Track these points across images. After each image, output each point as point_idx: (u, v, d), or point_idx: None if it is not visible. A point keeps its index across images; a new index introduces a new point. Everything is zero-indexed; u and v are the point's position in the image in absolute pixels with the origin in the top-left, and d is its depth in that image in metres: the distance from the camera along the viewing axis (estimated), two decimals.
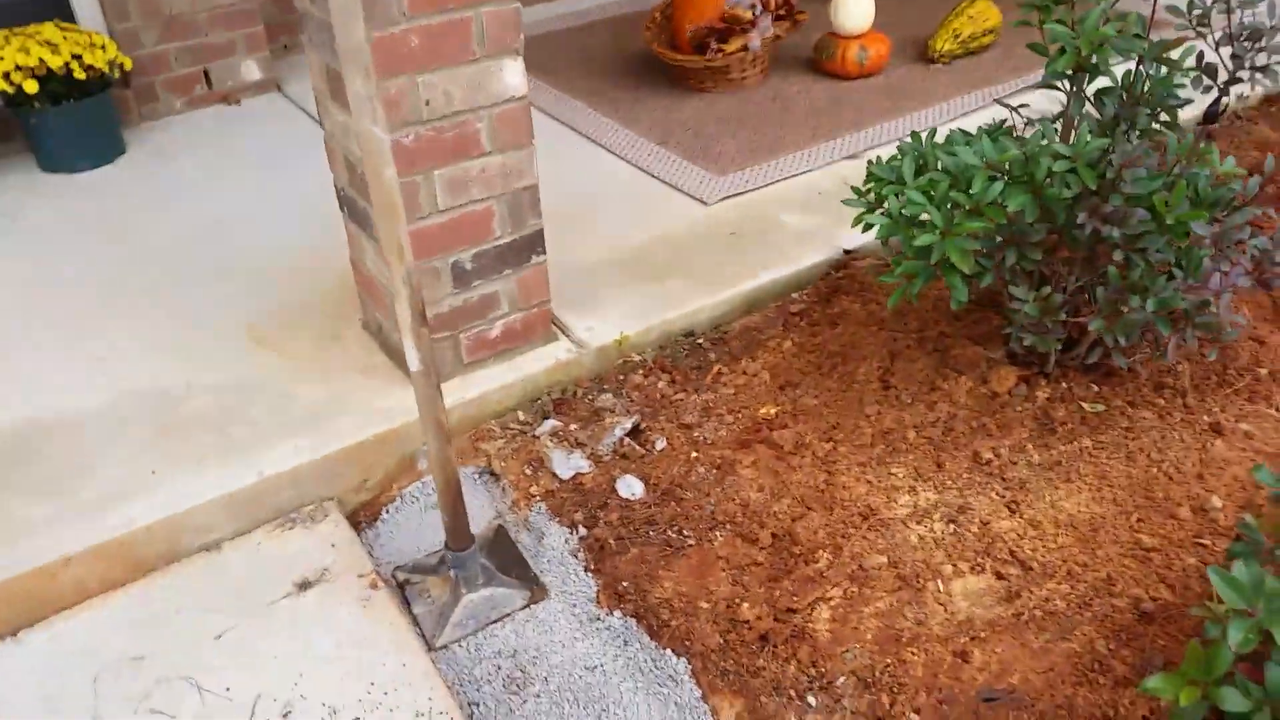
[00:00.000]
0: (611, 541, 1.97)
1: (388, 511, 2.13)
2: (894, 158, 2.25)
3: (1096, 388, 2.23)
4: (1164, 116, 2.15)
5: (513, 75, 2.02)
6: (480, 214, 2.12)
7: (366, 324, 2.41)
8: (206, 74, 3.68)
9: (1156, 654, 1.70)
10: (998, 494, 2.02)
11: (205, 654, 1.70)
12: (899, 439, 2.15)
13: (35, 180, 3.21)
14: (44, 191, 3.15)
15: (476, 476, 2.19)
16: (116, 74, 3.28)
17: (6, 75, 3.02)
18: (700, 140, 3.33)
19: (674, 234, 2.82)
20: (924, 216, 2.00)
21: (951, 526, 1.96)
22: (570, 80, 3.84)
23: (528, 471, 2.13)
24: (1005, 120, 2.29)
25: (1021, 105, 2.41)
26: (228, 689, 1.64)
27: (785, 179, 3.10)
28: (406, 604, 1.91)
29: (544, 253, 2.27)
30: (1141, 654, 1.71)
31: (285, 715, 1.60)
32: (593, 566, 1.94)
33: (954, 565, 1.88)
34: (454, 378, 2.24)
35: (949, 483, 2.05)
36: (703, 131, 3.39)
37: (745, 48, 3.61)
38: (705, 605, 1.82)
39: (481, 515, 2.12)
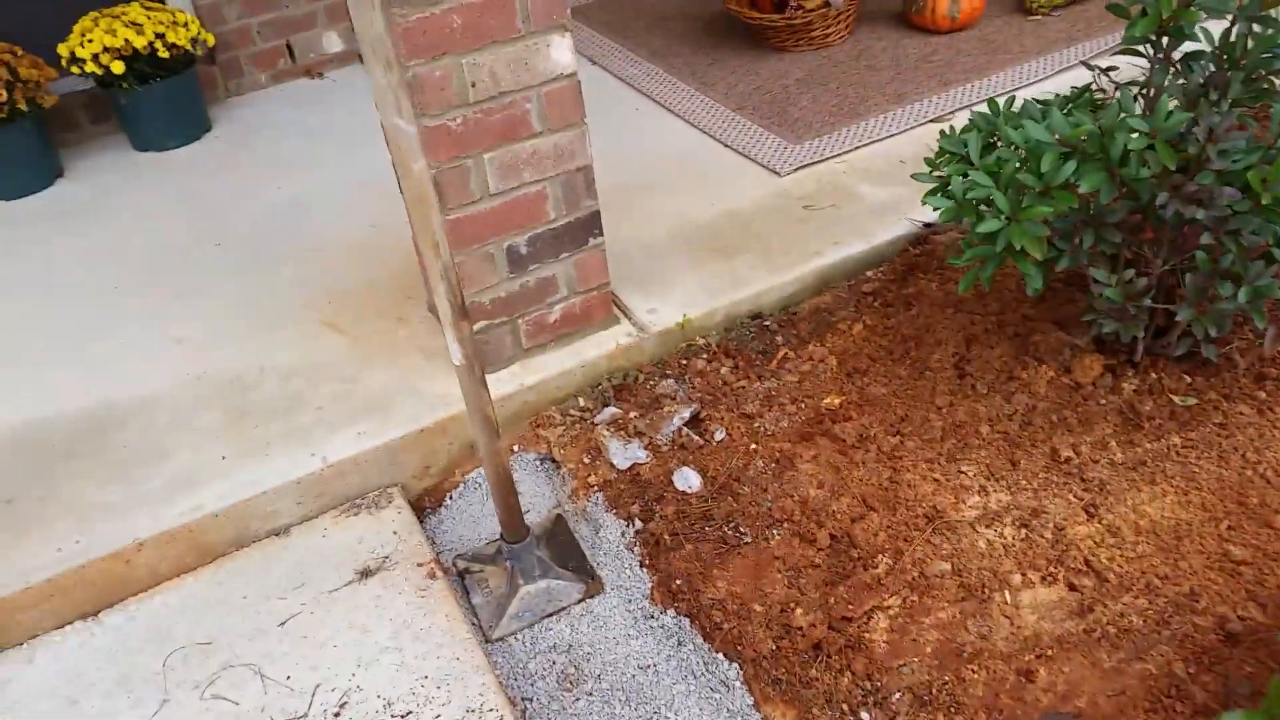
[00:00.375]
0: (667, 537, 1.94)
1: (451, 497, 2.15)
2: (966, 128, 2.11)
3: (1189, 379, 2.07)
4: (1265, 84, 1.95)
5: (560, 52, 1.97)
6: (533, 197, 2.09)
7: (431, 306, 2.42)
8: (289, 47, 3.72)
9: (1241, 681, 1.59)
10: (1075, 496, 1.91)
11: (269, 641, 1.76)
12: (971, 433, 2.06)
13: (127, 159, 3.33)
14: (135, 171, 3.26)
15: (538, 463, 2.20)
16: (200, 51, 3.34)
17: (95, 57, 3.11)
18: (777, 105, 3.21)
19: (744, 208, 2.73)
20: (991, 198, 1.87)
21: (1023, 531, 1.86)
22: (643, 40, 3.74)
23: (586, 460, 2.12)
24: (1091, 84, 2.11)
25: (1111, 67, 2.21)
26: (288, 677, 1.70)
27: (865, 145, 2.96)
28: (465, 593, 1.94)
29: (601, 234, 2.23)
30: (1224, 680, 1.60)
31: (342, 706, 1.65)
32: (648, 562, 1.93)
33: (1023, 574, 1.79)
34: (514, 363, 2.23)
35: (1023, 483, 1.95)
36: (780, 95, 3.27)
37: (828, 3, 3.45)
38: (759, 609, 1.79)
39: (542, 503, 2.12)
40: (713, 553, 1.90)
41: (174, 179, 3.18)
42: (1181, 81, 1.94)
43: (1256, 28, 1.87)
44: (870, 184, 2.79)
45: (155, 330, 2.46)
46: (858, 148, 2.95)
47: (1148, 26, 1.86)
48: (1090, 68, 2.15)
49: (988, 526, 1.88)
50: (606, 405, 2.22)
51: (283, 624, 1.79)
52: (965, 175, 1.92)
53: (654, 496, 2.02)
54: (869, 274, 2.56)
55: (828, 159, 2.91)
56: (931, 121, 3.04)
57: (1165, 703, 1.57)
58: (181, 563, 1.90)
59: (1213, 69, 1.91)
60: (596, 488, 2.07)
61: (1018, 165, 1.83)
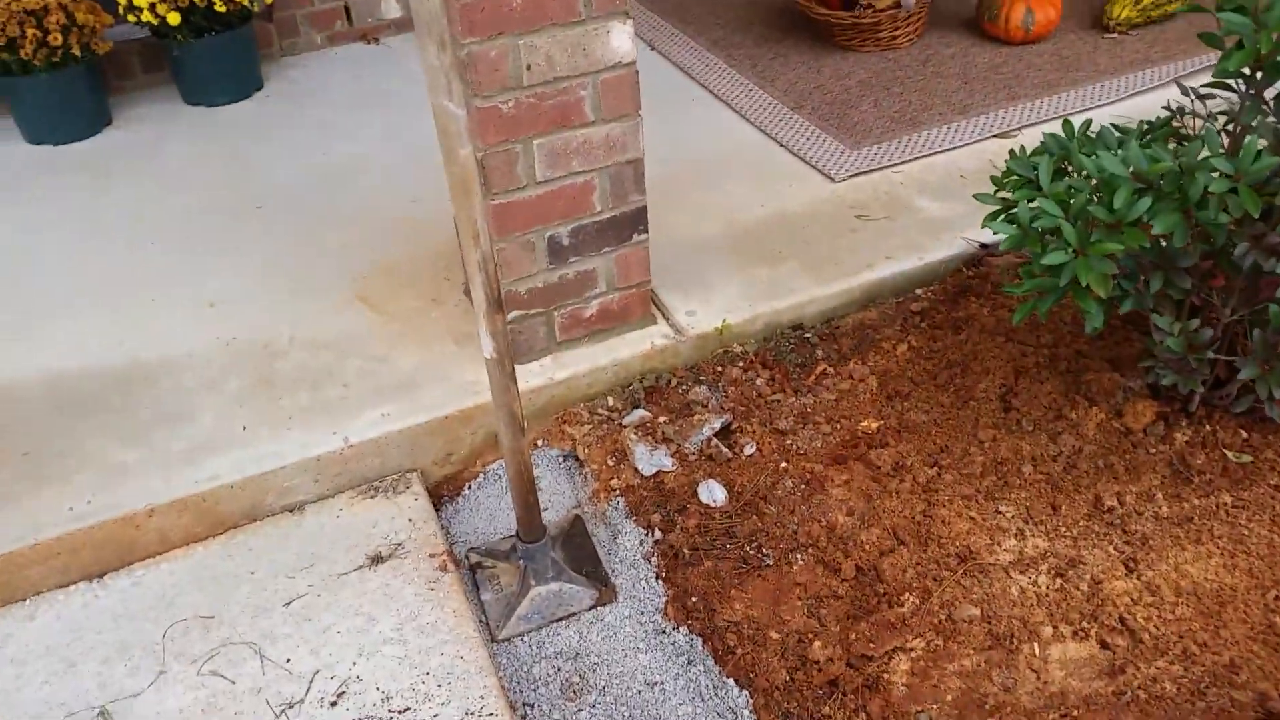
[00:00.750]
0: (686, 550, 1.89)
1: (470, 488, 2.11)
2: (1037, 150, 2.02)
3: (1246, 434, 1.97)
4: None
5: (620, 39, 1.90)
6: (580, 187, 2.03)
7: (466, 290, 2.37)
8: (347, 9, 3.68)
9: None
10: (1116, 548, 1.83)
11: (273, 620, 1.73)
12: (1013, 472, 1.97)
13: (177, 112, 3.31)
14: (182, 124, 3.24)
15: (561, 460, 2.15)
16: (257, 7, 3.30)
17: (152, 6, 3.08)
18: (837, 106, 3.11)
19: (795, 211, 2.65)
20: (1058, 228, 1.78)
21: (1058, 581, 1.78)
22: (707, 29, 3.65)
23: (611, 462, 2.06)
24: (1179, 110, 1.99)
25: (1207, 94, 2.07)
26: (288, 660, 1.67)
27: (925, 156, 2.86)
28: (475, 588, 1.90)
29: (646, 230, 2.16)
30: None
31: (339, 695, 1.61)
32: (664, 574, 1.87)
33: (1055, 627, 1.71)
34: (546, 356, 2.18)
35: (1063, 529, 1.87)
36: (841, 97, 3.17)
37: (899, 4, 3.34)
38: (775, 636, 1.73)
39: (562, 501, 2.07)
40: (732, 572, 1.84)
41: (222, 135, 3.16)
42: (1272, 121, 1.83)
43: None
44: (928, 197, 2.69)
45: (190, 289, 2.44)
46: (917, 158, 2.86)
47: (1242, 60, 1.74)
48: (1185, 89, 2.02)
49: (1022, 573, 1.80)
50: (636, 407, 2.16)
51: (288, 604, 1.76)
52: (1033, 201, 1.83)
53: (676, 507, 1.96)
54: (918, 292, 2.47)
55: (885, 167, 2.82)
56: (996, 136, 2.94)
57: None
58: (192, 531, 1.87)
59: None
60: (618, 492, 2.02)
61: (1090, 196, 1.74)
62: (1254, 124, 1.81)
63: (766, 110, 3.12)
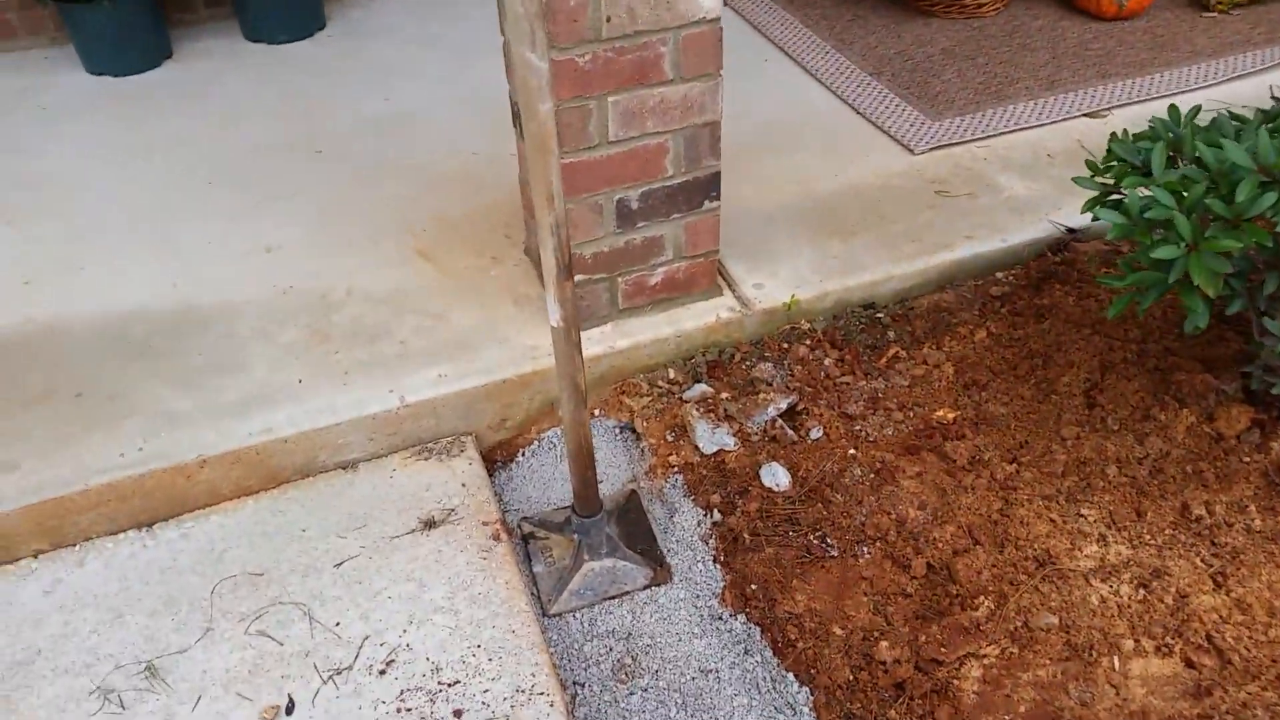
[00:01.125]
0: (746, 535, 1.81)
1: (524, 454, 2.05)
2: (1144, 135, 1.88)
3: None
4: None
5: None
6: (653, 149, 1.93)
7: (528, 249, 2.29)
8: None
9: None
10: (1204, 560, 1.73)
11: (323, 582, 1.69)
12: (1096, 473, 1.87)
13: (237, 48, 3.24)
14: (243, 61, 3.16)
15: (617, 431, 2.08)
16: None
17: None
18: (918, 75, 2.97)
19: (870, 183, 2.53)
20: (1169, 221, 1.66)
21: (1141, 592, 1.69)
22: None
23: (669, 437, 1.99)
24: None
25: None
26: (337, 624, 1.62)
27: (1010, 132, 2.72)
28: (527, 559, 1.85)
29: (718, 197, 2.06)
30: None
31: (388, 664, 1.57)
32: (722, 558, 1.80)
33: (1136, 641, 1.62)
34: (607, 323, 2.10)
35: (1147, 537, 1.77)
36: (923, 64, 3.02)
37: None
38: (839, 631, 1.66)
39: (617, 475, 2.01)
40: (794, 560, 1.77)
41: (282, 75, 3.09)
42: None
43: None
44: (1012, 175, 2.56)
45: (246, 233, 2.38)
46: (1002, 133, 2.72)
47: None
48: None
49: (1103, 581, 1.71)
50: (697, 381, 2.08)
51: (339, 565, 1.71)
52: (1143, 189, 1.71)
53: (737, 489, 1.89)
54: (999, 275, 2.35)
55: (967, 141, 2.69)
56: (1085, 115, 2.79)
57: None
58: (243, 484, 1.83)
59: None
60: (677, 469, 1.94)
61: (1207, 188, 1.61)
62: None
63: (843, 75, 2.98)
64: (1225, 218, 1.61)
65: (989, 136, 2.71)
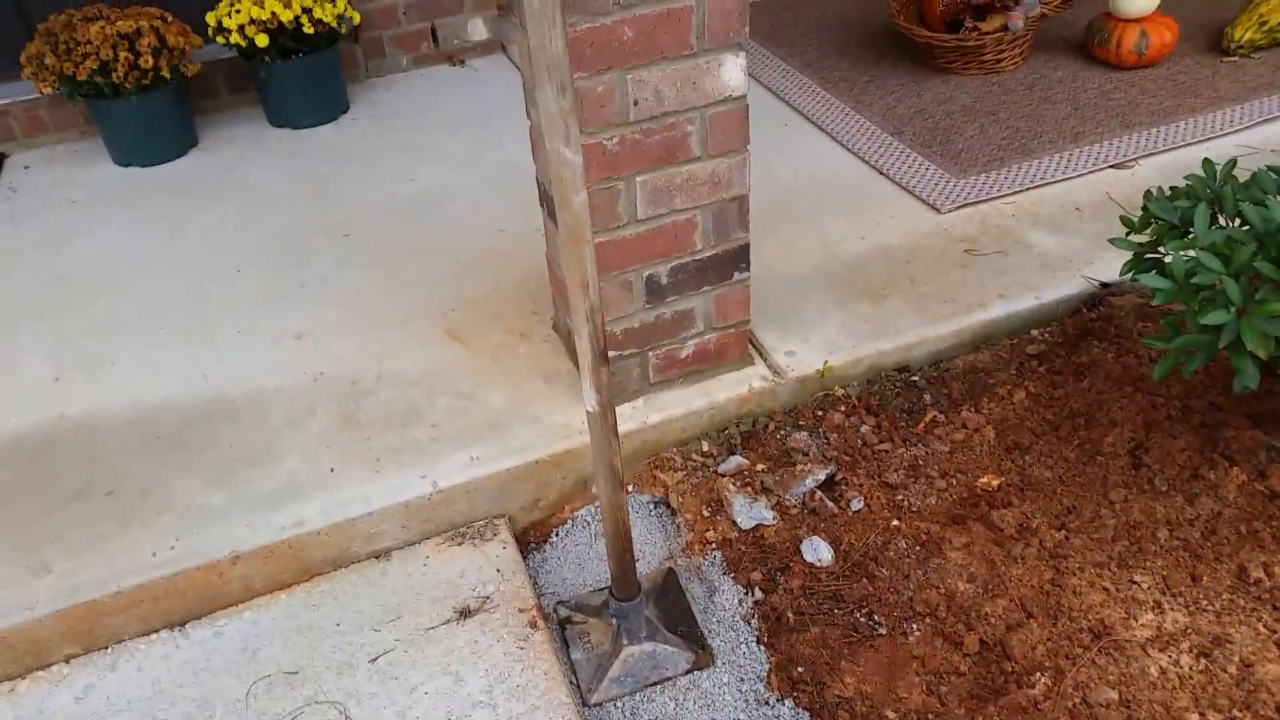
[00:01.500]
0: (790, 614, 1.76)
1: (557, 534, 2.02)
2: (1179, 193, 1.85)
3: None
4: None
5: (732, 72, 1.80)
6: (682, 225, 1.93)
7: (556, 325, 2.29)
8: (434, 31, 3.64)
9: None
10: (1266, 627, 1.65)
11: (358, 679, 1.65)
12: (1147, 537, 1.81)
13: (262, 134, 3.30)
14: (268, 147, 3.22)
15: (652, 507, 2.04)
16: (345, 29, 3.29)
17: (241, 28, 3.08)
18: (940, 133, 2.96)
19: (898, 245, 2.51)
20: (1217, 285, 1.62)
21: (1203, 662, 1.62)
22: (800, 50, 3.53)
23: (706, 513, 1.95)
24: None
25: None
26: None
27: (1036, 187, 2.70)
28: (565, 644, 1.80)
29: (748, 268, 2.05)
30: None
31: None
32: (766, 639, 1.75)
33: (1201, 714, 1.55)
34: (638, 398, 2.08)
35: (1205, 603, 1.70)
36: (944, 123, 3.02)
37: (1005, 27, 3.18)
38: (892, 715, 1.59)
39: (653, 552, 1.97)
40: (841, 640, 1.71)
41: (307, 159, 3.14)
42: None
43: None
44: (1042, 231, 2.53)
45: (276, 320, 2.39)
46: (1028, 189, 2.70)
47: None
48: None
49: (1162, 651, 1.64)
50: (733, 454, 2.04)
51: (374, 660, 1.68)
52: (1185, 252, 1.68)
53: (778, 565, 1.84)
54: (1035, 334, 2.31)
55: (994, 198, 2.67)
56: (1112, 166, 2.76)
57: None
58: (276, 579, 1.81)
59: None
60: (715, 545, 1.90)
61: (1254, 251, 1.58)
62: None
63: (864, 136, 2.98)
64: (1275, 280, 1.57)
65: (1016, 192, 2.69)
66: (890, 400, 2.17)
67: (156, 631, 1.75)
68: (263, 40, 3.09)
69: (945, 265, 2.43)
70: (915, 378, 2.23)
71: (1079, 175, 2.74)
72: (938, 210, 2.63)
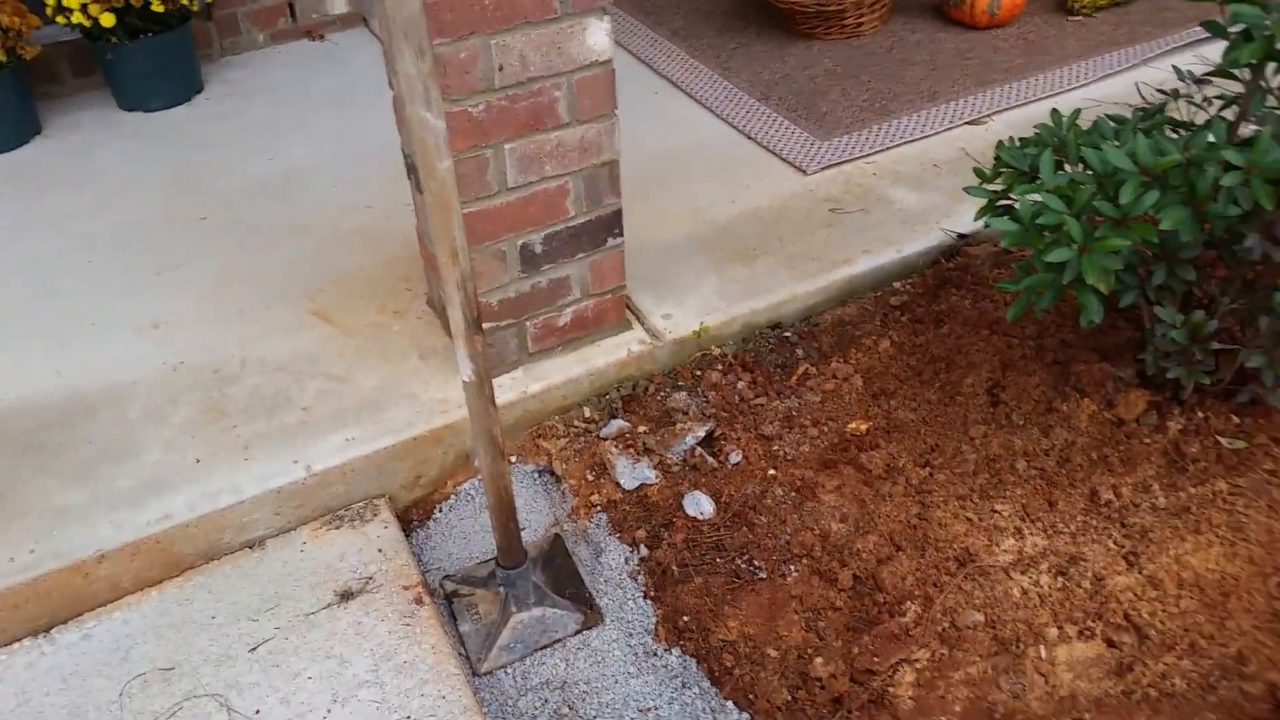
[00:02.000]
0: (675, 567, 1.80)
1: (441, 510, 2.00)
2: (1028, 142, 1.95)
3: (1238, 420, 1.93)
4: None
5: (596, 36, 1.80)
6: (554, 192, 1.93)
7: (430, 300, 2.26)
8: (291, 6, 3.52)
9: None
10: (1115, 543, 1.77)
11: (238, 668, 1.61)
12: (1006, 468, 1.91)
13: (111, 118, 3.13)
14: (118, 131, 3.06)
15: (536, 476, 2.04)
16: (196, 6, 3.14)
17: (84, 7, 2.91)
18: (805, 97, 3.03)
19: (767, 207, 2.57)
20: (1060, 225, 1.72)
21: (1060, 580, 1.72)
22: (669, 20, 3.55)
23: (590, 476, 1.97)
24: (1174, 94, 1.92)
25: (1204, 80, 1.97)
26: (257, 712, 1.55)
27: (897, 146, 2.80)
28: (453, 618, 1.80)
29: (621, 234, 2.07)
30: None
31: None
32: (653, 593, 1.78)
33: (1060, 628, 1.66)
34: (518, 368, 2.08)
35: (1061, 526, 1.81)
36: (809, 86, 3.09)
37: None
38: (774, 653, 1.65)
39: (539, 520, 1.97)
40: (724, 587, 1.76)
41: (160, 143, 3.00)
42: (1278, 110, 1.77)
43: None
44: (902, 188, 2.62)
45: (132, 310, 2.29)
46: (889, 148, 2.79)
47: (1255, 53, 1.67)
48: (1182, 75, 1.94)
49: (1023, 573, 1.74)
50: (614, 417, 2.06)
51: (253, 650, 1.64)
52: (1034, 195, 1.76)
53: (662, 521, 1.87)
54: (898, 285, 2.40)
55: (857, 158, 2.75)
56: (967, 123, 2.88)
57: None
58: (146, 575, 1.74)
59: None
60: (600, 507, 1.92)
61: (1093, 191, 1.67)
62: (1259, 115, 1.75)
63: (732, 102, 3.03)
64: (1113, 218, 1.67)
65: (877, 152, 2.78)
66: (765, 356, 2.23)
67: (19, 640, 1.67)
68: (108, 20, 2.93)
69: (812, 225, 2.50)
70: (788, 334, 2.29)
71: (937, 133, 2.84)
72: (804, 172, 2.70)
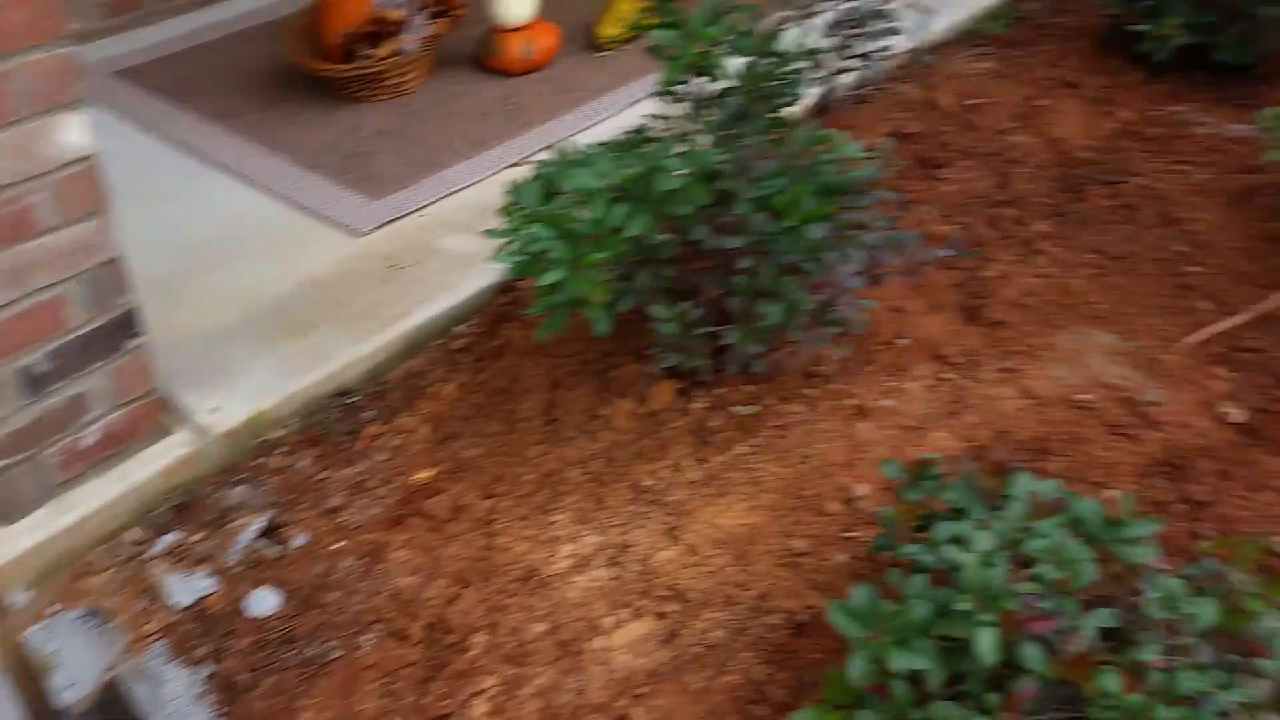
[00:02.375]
0: (244, 675, 1.74)
1: None
2: (531, 179, 2.11)
3: (750, 388, 2.20)
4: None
5: (73, 133, 1.72)
6: (48, 304, 1.80)
7: None
8: None
9: (811, 672, 1.68)
10: (659, 523, 1.96)
11: None
12: (560, 480, 2.05)
13: None
14: None
15: (80, 622, 1.88)
16: None
17: None
18: (356, 159, 3.07)
19: (322, 275, 2.57)
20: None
21: (614, 569, 1.87)
22: (209, 100, 3.43)
23: (141, 605, 1.85)
24: (643, 126, 2.17)
25: (660, 110, 2.25)
26: None
27: (448, 196, 2.90)
28: None
29: (139, 334, 1.97)
30: (798, 674, 1.69)
31: None
32: (224, 710, 1.71)
33: (615, 615, 1.79)
34: (43, 505, 1.91)
35: (611, 521, 1.96)
36: (359, 149, 3.13)
37: (399, 51, 3.36)
38: None
39: (89, 670, 1.81)
40: (297, 680, 1.73)
41: None
42: (715, 117, 2.05)
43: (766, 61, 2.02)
44: (454, 235, 2.73)
45: None
46: (440, 199, 2.88)
47: (678, 70, 1.94)
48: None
49: (581, 573, 1.87)
50: (165, 533, 1.96)
51: None
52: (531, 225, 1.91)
53: (224, 631, 1.80)
54: (459, 329, 2.49)
55: (410, 213, 2.82)
56: (511, 166, 3.05)
57: (748, 710, 1.62)
58: None
59: (746, 98, 2.03)
60: (157, 634, 1.81)
61: (573, 213, 1.84)
62: (706, 118, 2.03)
63: (280, 175, 2.99)
64: (593, 235, 1.84)
65: (429, 204, 2.86)
66: (332, 427, 2.22)
67: None
68: None
69: (370, 284, 2.53)
70: (356, 398, 2.30)
71: (486, 178, 2.98)
72: (359, 233, 2.72)
